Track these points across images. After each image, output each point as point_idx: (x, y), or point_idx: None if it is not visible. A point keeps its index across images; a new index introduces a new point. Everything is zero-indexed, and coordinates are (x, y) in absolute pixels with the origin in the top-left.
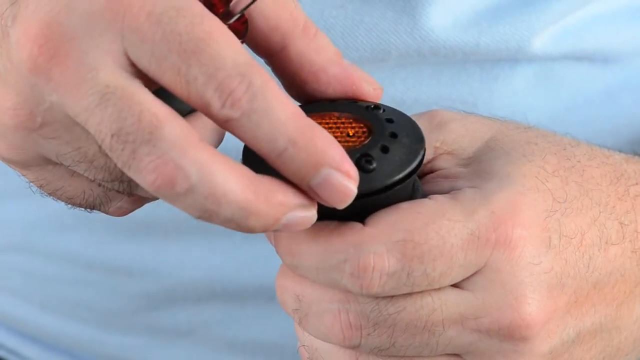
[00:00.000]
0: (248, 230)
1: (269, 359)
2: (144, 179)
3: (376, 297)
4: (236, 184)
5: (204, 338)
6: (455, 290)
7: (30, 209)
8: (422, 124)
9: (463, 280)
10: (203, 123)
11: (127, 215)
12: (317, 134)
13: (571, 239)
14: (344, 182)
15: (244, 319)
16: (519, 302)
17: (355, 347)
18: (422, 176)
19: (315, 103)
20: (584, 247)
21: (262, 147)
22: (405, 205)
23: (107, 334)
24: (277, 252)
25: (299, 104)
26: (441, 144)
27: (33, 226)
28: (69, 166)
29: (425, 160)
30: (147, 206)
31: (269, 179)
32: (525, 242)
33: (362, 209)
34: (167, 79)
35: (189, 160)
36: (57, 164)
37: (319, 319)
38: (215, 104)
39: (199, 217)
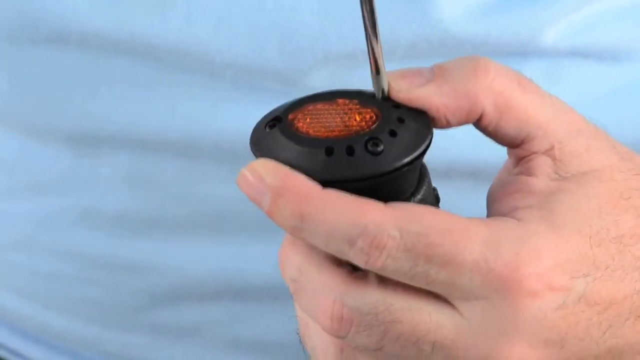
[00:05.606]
0: None
1: (274, 358)
2: None
3: (376, 302)
4: None
5: (209, 336)
6: (454, 317)
7: (34, 207)
8: (557, 125)
9: (463, 301)
10: None
11: (132, 212)
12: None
13: (593, 305)
14: None
15: (249, 317)
16: (511, 346)
17: (340, 338)
18: (514, 146)
19: (324, 91)
20: (606, 315)
21: None
22: (434, 208)
23: (111, 331)
24: (280, 213)
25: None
26: (559, 144)
27: (37, 224)
28: None
29: (528, 145)
30: (153, 203)
31: None
32: (536, 296)
33: (369, 192)
34: None
35: None
36: None
37: (313, 299)
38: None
39: None
